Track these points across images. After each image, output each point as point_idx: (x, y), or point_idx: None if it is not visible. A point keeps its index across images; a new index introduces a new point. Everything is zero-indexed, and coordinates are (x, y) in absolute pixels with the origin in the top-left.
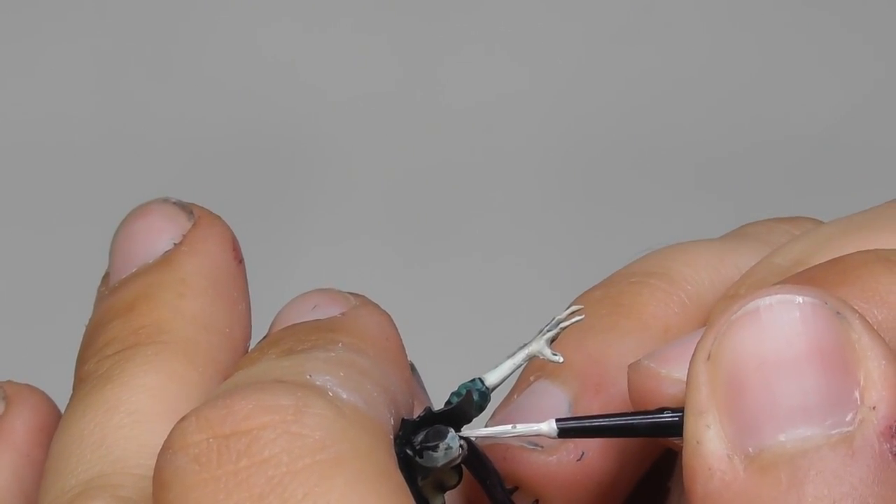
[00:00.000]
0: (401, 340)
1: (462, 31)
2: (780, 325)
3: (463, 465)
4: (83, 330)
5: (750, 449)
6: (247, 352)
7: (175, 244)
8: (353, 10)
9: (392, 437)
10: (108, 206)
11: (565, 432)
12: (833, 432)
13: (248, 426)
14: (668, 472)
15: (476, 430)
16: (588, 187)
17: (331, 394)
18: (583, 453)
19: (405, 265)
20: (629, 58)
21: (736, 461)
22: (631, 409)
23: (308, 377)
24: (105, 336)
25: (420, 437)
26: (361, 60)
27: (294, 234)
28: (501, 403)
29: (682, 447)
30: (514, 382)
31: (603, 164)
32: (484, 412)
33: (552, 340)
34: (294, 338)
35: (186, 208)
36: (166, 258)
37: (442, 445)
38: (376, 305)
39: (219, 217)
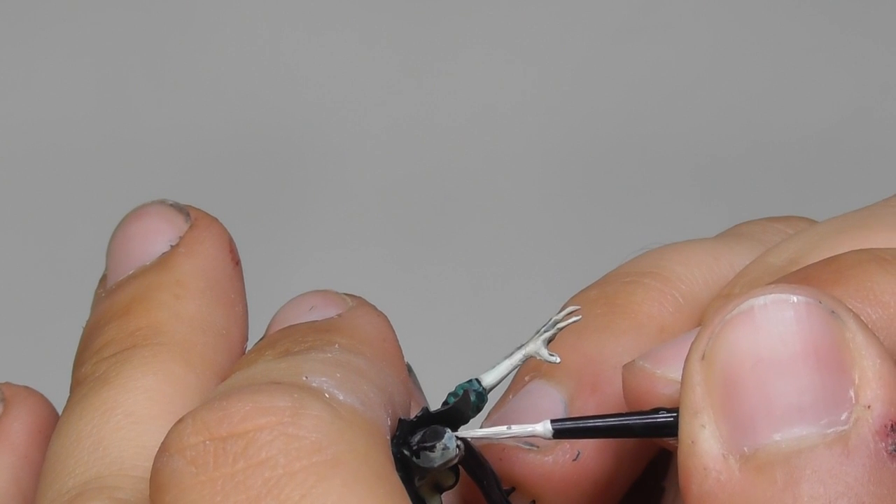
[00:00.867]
0: (397, 341)
1: (460, 37)
2: (775, 325)
3: (460, 466)
4: (80, 332)
5: (745, 448)
6: (244, 353)
7: (172, 246)
8: (352, 14)
9: (389, 437)
10: (105, 209)
11: (560, 433)
12: (828, 431)
13: (244, 428)
14: (663, 472)
15: (472, 430)
16: (585, 191)
17: (327, 395)
18: (578, 453)
19: (403, 266)
20: (627, 61)
21: (731, 461)
22: (626, 410)
23: (304, 379)
24: (102, 338)
25: (417, 438)
26: (361, 64)
27: (291, 235)
28: (497, 404)
29: (677, 447)
30: (510, 383)
31: (600, 167)
32: (481, 412)
33: (549, 341)
34: (291, 339)
35: (183, 210)
36: (163, 260)
37: (439, 446)
38: (373, 306)
39: (216, 219)
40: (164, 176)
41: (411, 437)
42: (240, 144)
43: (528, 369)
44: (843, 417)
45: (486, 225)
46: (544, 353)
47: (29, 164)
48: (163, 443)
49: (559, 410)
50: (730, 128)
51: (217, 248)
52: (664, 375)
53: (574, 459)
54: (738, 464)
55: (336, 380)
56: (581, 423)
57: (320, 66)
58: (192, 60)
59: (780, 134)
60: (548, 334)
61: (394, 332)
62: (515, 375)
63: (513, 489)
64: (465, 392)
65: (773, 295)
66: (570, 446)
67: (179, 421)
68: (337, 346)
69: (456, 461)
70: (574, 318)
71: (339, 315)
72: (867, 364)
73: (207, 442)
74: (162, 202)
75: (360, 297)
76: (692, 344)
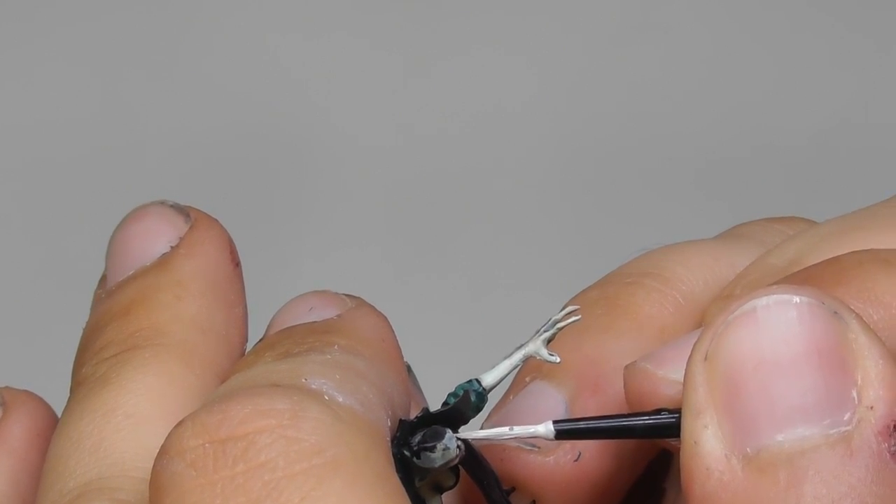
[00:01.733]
0: (397, 341)
1: (460, 41)
2: (778, 325)
3: (460, 466)
4: (80, 333)
5: (748, 449)
6: (244, 354)
7: (172, 247)
8: (353, 18)
9: (389, 438)
10: (105, 210)
11: (563, 434)
12: (831, 432)
13: (243, 431)
14: (663, 473)
15: (473, 432)
16: (584, 192)
17: (326, 397)
18: (579, 454)
19: (402, 266)
20: (627, 64)
21: (734, 461)
22: (627, 410)
23: (304, 381)
24: (102, 339)
25: (417, 438)
26: (362, 67)
27: (291, 237)
28: (498, 404)
29: (679, 448)
30: (510, 383)
31: (600, 168)
32: (481, 413)
33: (549, 341)
34: (290, 340)
35: (183, 211)
36: (163, 261)
37: (439, 446)
38: (372, 307)
39: (216, 220)
40: (164, 177)
41: (412, 438)
42: (240, 146)
43: (529, 370)
44: (846, 418)
45: (487, 225)
46: (544, 353)
47: (28, 165)
48: (162, 445)
49: (560, 411)
50: (730, 130)
51: (217, 250)
52: (666, 376)
53: (575, 460)
54: (740, 464)
55: (335, 381)
56: (584, 424)
57: (321, 69)
58: (192, 62)
59: (781, 135)
60: (547, 334)
61: (393, 332)
62: (516, 376)
63: (513, 489)
64: (466, 392)
65: (775, 296)
66: (571, 447)
67: (179, 424)
68: (336, 347)
69: (456, 461)
70: (574, 318)
71: (339, 316)
72: (870, 365)
73: (207, 445)
74: (162, 203)
75: (359, 298)
76: (695, 345)
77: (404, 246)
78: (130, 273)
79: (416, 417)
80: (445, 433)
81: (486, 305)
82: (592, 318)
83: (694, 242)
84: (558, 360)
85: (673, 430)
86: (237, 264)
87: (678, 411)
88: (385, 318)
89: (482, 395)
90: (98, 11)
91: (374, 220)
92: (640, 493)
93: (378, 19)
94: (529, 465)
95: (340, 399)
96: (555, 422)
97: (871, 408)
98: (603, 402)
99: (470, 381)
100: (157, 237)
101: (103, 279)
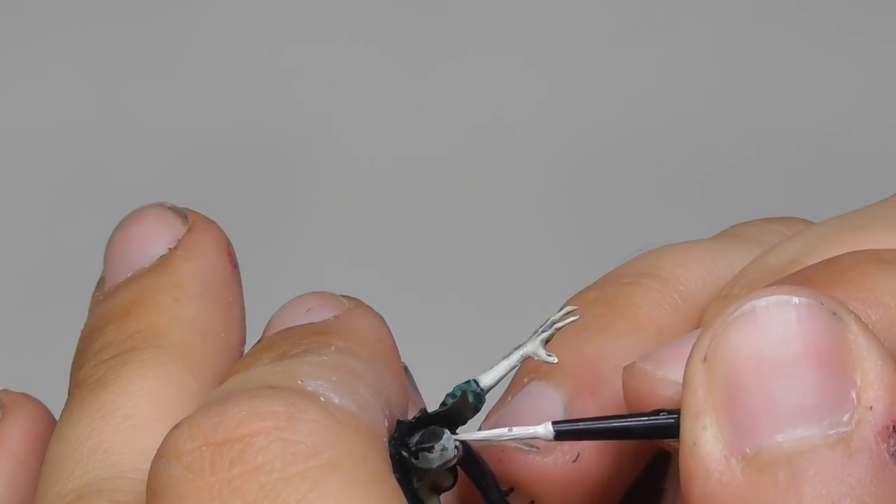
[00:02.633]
0: (394, 342)
1: (461, 46)
2: (777, 326)
3: (458, 467)
4: (78, 335)
5: (747, 450)
6: (242, 355)
7: (170, 249)
8: (353, 22)
9: (386, 439)
10: (103, 211)
11: (562, 435)
12: (830, 432)
13: (240, 433)
14: (662, 473)
15: (472, 433)
16: (583, 193)
17: (323, 399)
18: (578, 454)
19: (401, 267)
20: (628, 68)
21: (733, 462)
22: (626, 411)
23: (300, 383)
24: (101, 341)
25: (415, 439)
26: (360, 70)
27: (289, 238)
28: (496, 405)
29: (678, 449)
30: (508, 384)
31: (599, 169)
32: (479, 413)
33: (547, 341)
34: (287, 342)
35: (181, 213)
36: (161, 263)
37: (437, 447)
38: (369, 308)
39: (213, 222)
40: (163, 179)
41: (409, 439)
42: (238, 149)
43: (528, 370)
44: (845, 419)
45: (485, 225)
46: (542, 353)
47: (27, 166)
48: (159, 448)
49: (559, 412)
50: (729, 132)
51: (215, 252)
52: (665, 377)
53: (574, 460)
54: (740, 465)
55: (332, 383)
56: (583, 425)
57: (321, 73)
58: (190, 63)
59: (780, 138)
60: (545, 335)
61: (390, 333)
62: (514, 377)
63: (511, 490)
64: (463, 393)
65: (774, 296)
66: (570, 447)
67: (176, 426)
68: (333, 348)
69: (454, 462)
70: (571, 319)
71: (336, 317)
72: (869, 365)
73: (204, 447)
74: (160, 205)
75: (356, 299)
76: (694, 345)
77: (402, 247)
78: (129, 275)
79: (414, 418)
80: (443, 434)
81: (484, 306)
82: (591, 318)
83: (692, 243)
84: (556, 360)
85: (672, 430)
86: (235, 266)
87: (677, 412)
88: (382, 319)
89: (480, 396)
90: (98, 15)
91: (373, 222)
92: (640, 493)
93: (378, 23)
94: (528, 465)
95: (337, 400)
96: (554, 422)
97: (871, 408)
98: (602, 402)
99: (468, 381)
100: (155, 239)
101: (101, 281)
